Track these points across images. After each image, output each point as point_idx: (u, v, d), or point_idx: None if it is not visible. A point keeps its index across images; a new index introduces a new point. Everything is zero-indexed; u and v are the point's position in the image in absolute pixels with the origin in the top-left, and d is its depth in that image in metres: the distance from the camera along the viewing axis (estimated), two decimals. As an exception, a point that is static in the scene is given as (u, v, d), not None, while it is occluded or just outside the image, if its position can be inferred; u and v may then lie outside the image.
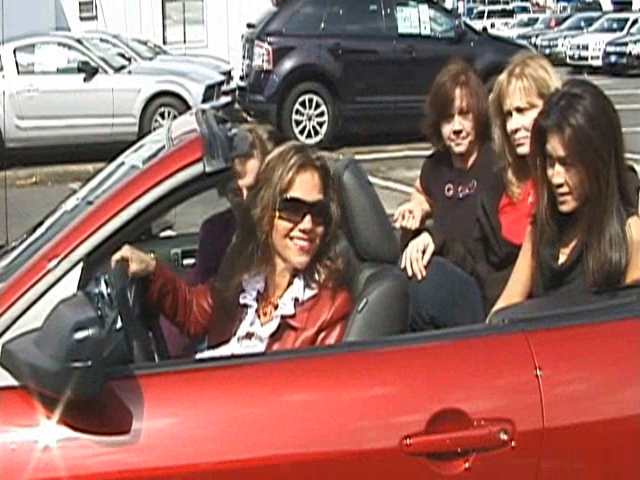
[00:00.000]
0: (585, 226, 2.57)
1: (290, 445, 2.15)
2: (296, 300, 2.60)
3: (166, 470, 2.10)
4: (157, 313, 2.76)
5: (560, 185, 2.55)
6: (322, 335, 2.56)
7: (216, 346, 2.64)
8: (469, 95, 3.43)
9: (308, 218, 2.57)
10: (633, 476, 2.30)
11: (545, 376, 2.23)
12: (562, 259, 2.64)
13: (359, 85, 12.87)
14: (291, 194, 2.59)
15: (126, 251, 2.56)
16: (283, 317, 2.60)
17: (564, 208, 2.59)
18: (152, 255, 2.69)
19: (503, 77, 3.16)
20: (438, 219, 3.56)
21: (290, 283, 2.64)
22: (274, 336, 2.59)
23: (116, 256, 2.50)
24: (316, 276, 2.61)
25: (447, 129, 3.46)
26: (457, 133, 3.44)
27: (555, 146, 2.54)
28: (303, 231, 2.57)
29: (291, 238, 2.59)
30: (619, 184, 2.55)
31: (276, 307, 2.63)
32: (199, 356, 2.68)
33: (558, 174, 2.55)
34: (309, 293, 2.61)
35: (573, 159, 2.52)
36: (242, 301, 2.68)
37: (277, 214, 2.60)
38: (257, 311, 2.67)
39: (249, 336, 2.64)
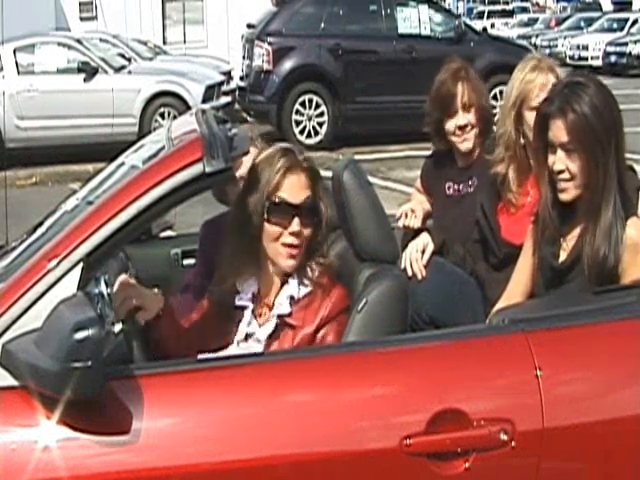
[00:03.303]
0: (583, 217, 2.58)
1: (290, 445, 2.15)
2: (292, 298, 2.60)
3: (166, 470, 2.10)
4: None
5: (561, 171, 2.56)
6: (321, 332, 2.55)
7: (216, 350, 2.64)
8: (470, 90, 3.45)
9: (297, 221, 2.56)
10: (633, 476, 2.30)
11: (545, 376, 2.23)
12: (563, 257, 2.64)
13: (359, 85, 12.87)
14: (279, 197, 2.58)
15: (137, 300, 2.54)
16: (280, 316, 2.59)
17: (564, 196, 2.59)
18: (156, 290, 2.69)
19: (526, 73, 3.14)
20: (438, 218, 3.56)
21: (284, 283, 2.63)
22: (272, 336, 2.59)
23: (126, 311, 2.50)
24: (309, 273, 2.60)
25: (451, 125, 3.46)
26: (462, 128, 3.45)
27: (557, 132, 2.54)
28: (292, 234, 2.56)
29: (281, 243, 2.58)
30: (618, 179, 2.55)
31: (271, 308, 2.63)
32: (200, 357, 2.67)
33: (559, 160, 2.55)
34: (304, 290, 2.60)
35: (575, 145, 2.53)
36: (238, 303, 2.68)
37: (266, 218, 2.58)
38: (253, 312, 2.66)
39: (247, 338, 2.63)
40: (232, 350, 2.63)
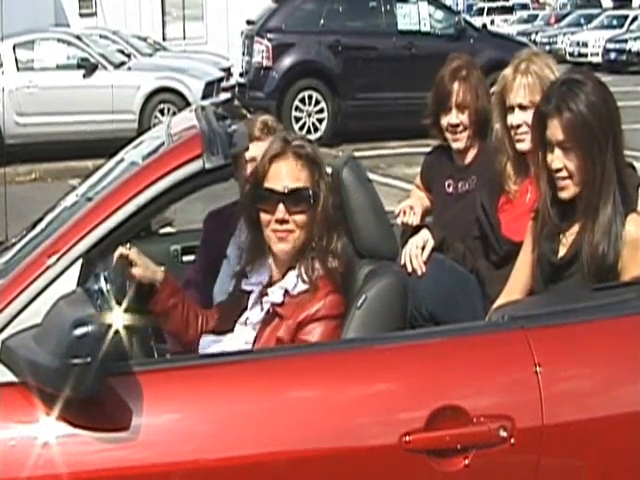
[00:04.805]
0: (583, 214, 2.58)
1: (289, 442, 2.15)
2: (286, 291, 2.60)
3: (165, 467, 2.10)
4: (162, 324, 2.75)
5: (559, 170, 2.56)
6: (304, 330, 2.53)
7: (220, 333, 2.66)
8: (467, 91, 3.43)
9: (281, 207, 2.56)
10: (633, 473, 2.30)
11: (544, 373, 2.23)
12: (562, 252, 2.64)
13: (359, 82, 12.87)
14: (265, 185, 2.60)
15: (133, 254, 2.54)
16: (272, 305, 2.61)
17: (564, 195, 2.59)
18: (162, 268, 2.67)
19: (508, 72, 3.15)
20: (438, 215, 3.56)
21: (285, 276, 2.64)
22: (264, 322, 2.61)
23: (118, 253, 2.49)
24: (311, 272, 2.58)
25: (445, 121, 3.47)
26: (454, 127, 3.45)
27: (554, 131, 2.54)
28: (277, 221, 2.57)
29: (271, 229, 2.59)
30: (617, 176, 2.55)
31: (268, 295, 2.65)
32: (201, 343, 2.67)
33: (557, 158, 2.55)
34: (301, 287, 2.59)
35: (571, 143, 2.53)
36: (243, 287, 2.71)
37: (258, 207, 2.61)
38: (258, 300, 2.68)
39: (246, 322, 2.67)
40: (232, 334, 2.65)
